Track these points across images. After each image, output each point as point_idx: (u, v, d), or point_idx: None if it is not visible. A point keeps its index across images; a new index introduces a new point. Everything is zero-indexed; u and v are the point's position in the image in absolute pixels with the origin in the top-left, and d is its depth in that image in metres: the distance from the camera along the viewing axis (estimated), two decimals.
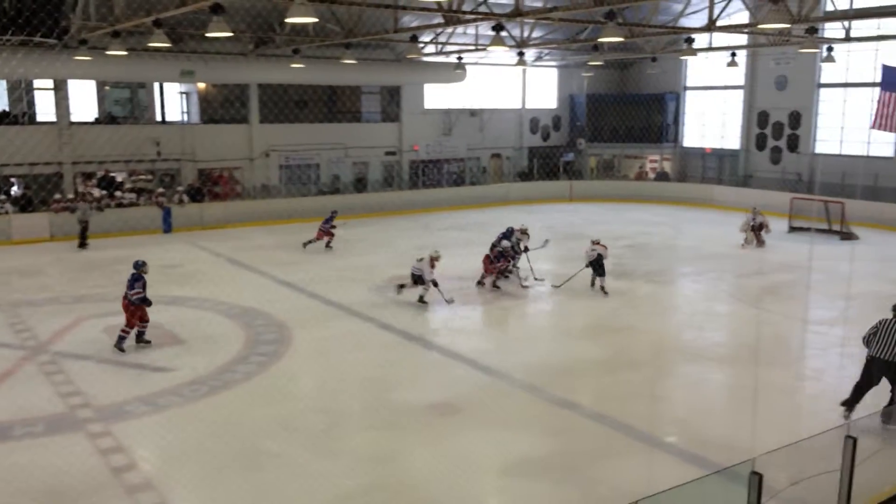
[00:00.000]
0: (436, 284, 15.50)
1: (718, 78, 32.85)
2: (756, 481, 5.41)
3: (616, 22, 16.43)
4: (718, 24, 20.65)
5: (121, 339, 12.58)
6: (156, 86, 29.22)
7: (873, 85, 27.40)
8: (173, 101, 29.83)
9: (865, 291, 16.83)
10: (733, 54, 27.04)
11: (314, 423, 9.92)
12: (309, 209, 27.28)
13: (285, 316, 14.72)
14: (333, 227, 21.75)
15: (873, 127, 27.38)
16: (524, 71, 34.38)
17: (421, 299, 15.71)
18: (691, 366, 12.40)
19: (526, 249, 18.10)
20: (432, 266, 15.60)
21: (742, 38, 28.90)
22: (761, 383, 10.90)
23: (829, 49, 24.49)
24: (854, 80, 28.67)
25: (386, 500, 7.96)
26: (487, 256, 17.41)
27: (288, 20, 14.88)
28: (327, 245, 21.82)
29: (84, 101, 28.15)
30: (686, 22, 26.00)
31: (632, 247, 22.38)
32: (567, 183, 33.90)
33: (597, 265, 16.92)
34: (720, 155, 33.83)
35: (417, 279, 15.73)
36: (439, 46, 27.19)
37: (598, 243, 17.13)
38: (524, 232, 18.71)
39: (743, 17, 27.56)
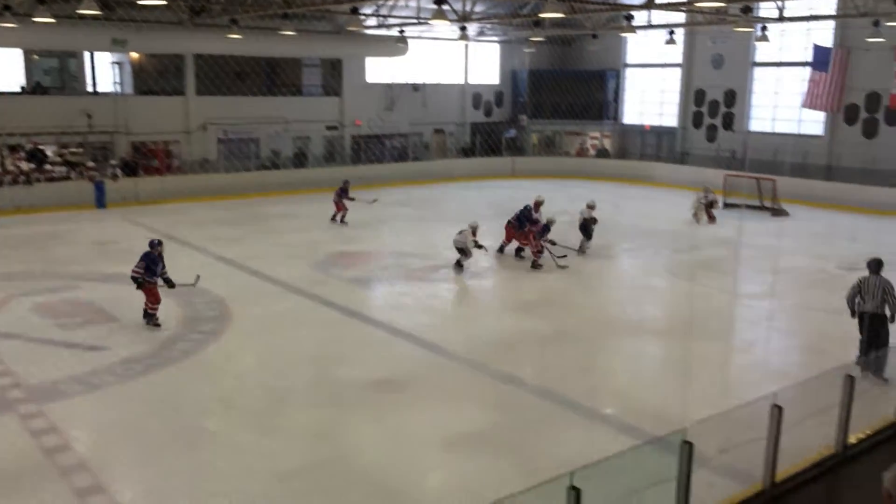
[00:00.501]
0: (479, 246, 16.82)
1: (657, 56, 33.33)
2: (687, 450, 5.59)
3: None
4: (657, 1, 20.92)
5: (149, 314, 12.48)
6: (86, 55, 28.19)
7: (805, 64, 28.22)
8: (105, 72, 28.83)
9: (793, 266, 17.44)
10: (671, 32, 27.44)
11: (255, 400, 9.85)
12: (249, 184, 26.88)
13: (225, 293, 14.50)
14: (351, 199, 21.69)
15: (804, 106, 28.30)
16: (466, 46, 34.28)
17: (458, 263, 16.60)
18: (630, 339, 12.69)
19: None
20: (474, 235, 16.68)
21: (680, 17, 29.33)
22: (695, 355, 11.23)
23: (763, 28, 25.03)
24: (787, 59, 29.43)
25: (329, 477, 7.97)
26: (510, 225, 17.85)
27: None
28: (341, 219, 21.73)
29: (10, 70, 27.04)
30: None
31: (573, 223, 22.62)
32: (510, 159, 34.07)
33: (585, 229, 18.10)
34: (659, 132, 34.43)
35: (461, 251, 16.55)
36: (381, 19, 26.86)
37: (592, 208, 18.38)
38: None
39: None
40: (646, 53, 34.46)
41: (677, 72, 33.15)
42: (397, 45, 29.58)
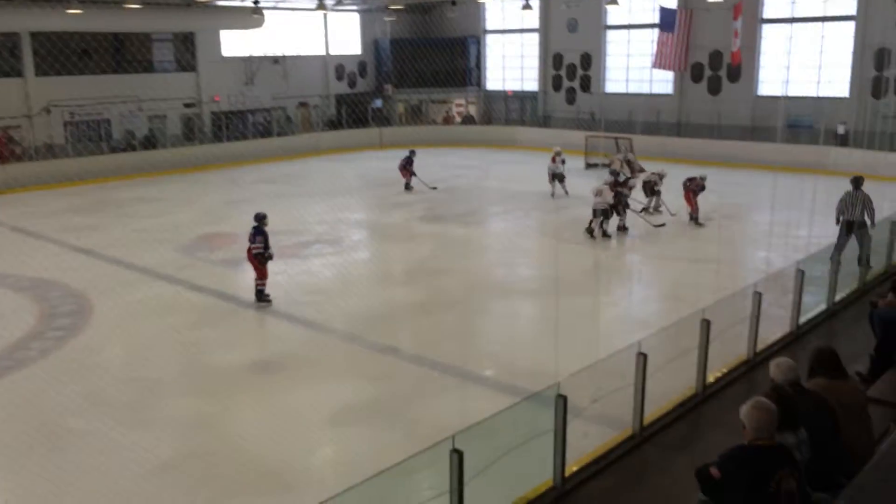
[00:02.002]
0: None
1: (515, 21, 33.91)
2: (561, 403, 5.81)
3: None
4: None
5: (258, 292, 12.55)
6: None
7: (653, 26, 29.51)
8: None
9: (652, 220, 18.35)
10: None
11: (124, 394, 9.41)
12: (102, 168, 25.40)
13: (84, 285, 13.70)
14: (413, 173, 22.58)
15: (654, 66, 29.65)
16: (325, 16, 33.58)
17: (604, 233, 16.38)
18: (503, 301, 13.01)
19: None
20: (612, 190, 16.37)
21: None
22: (565, 311, 11.65)
23: None
24: (636, 21, 30.66)
25: (209, 465, 7.75)
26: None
27: None
28: (406, 185, 22.45)
29: None
30: None
31: (443, 190, 22.87)
32: (377, 130, 33.85)
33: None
34: (521, 97, 35.17)
35: (604, 212, 16.23)
36: None
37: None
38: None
39: None
40: (504, 19, 34.99)
41: (535, 37, 33.88)
42: (252, 16, 28.57)
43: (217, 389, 9.54)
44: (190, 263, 15.37)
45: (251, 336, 11.47)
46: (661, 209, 18.71)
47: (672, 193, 18.32)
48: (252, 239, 12.59)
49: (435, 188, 22.63)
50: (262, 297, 12.67)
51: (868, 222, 12.72)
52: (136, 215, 19.99)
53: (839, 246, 12.59)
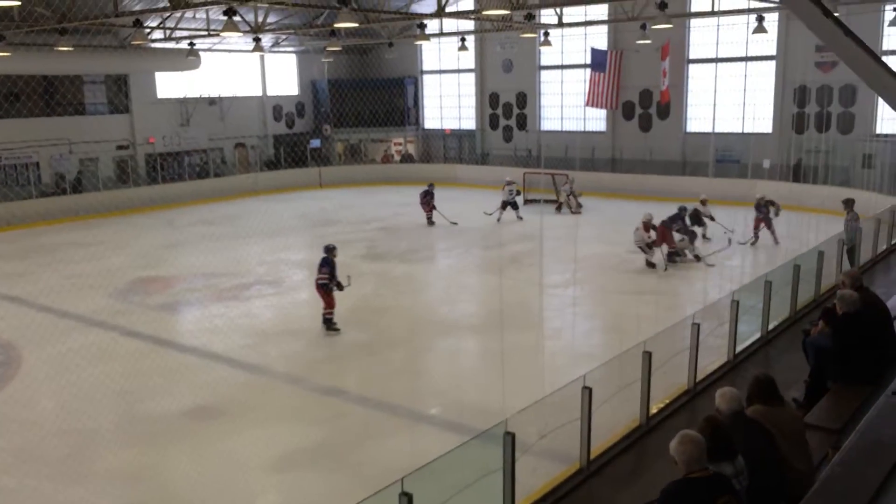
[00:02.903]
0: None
1: (452, 62, 34.45)
2: (510, 440, 5.80)
3: (350, 7, 16.57)
4: (447, 10, 21.63)
5: (327, 320, 12.93)
6: None
7: (585, 66, 30.35)
8: None
9: (590, 254, 18.68)
10: (463, 39, 28.48)
11: (57, 448, 9.03)
12: (31, 213, 24.62)
13: (12, 334, 13.18)
14: (433, 207, 22.99)
15: (587, 104, 30.43)
16: (262, 57, 33.53)
17: (648, 262, 16.99)
18: (447, 338, 13.01)
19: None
20: (646, 230, 16.98)
21: (470, 24, 30.52)
22: (509, 347, 11.71)
23: (546, 34, 26.64)
24: (569, 62, 31.49)
25: None
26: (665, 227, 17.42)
27: None
28: (429, 220, 22.78)
29: None
30: (417, 8, 26.93)
31: (384, 229, 22.89)
32: (316, 169, 33.74)
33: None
34: (459, 135, 35.59)
35: (646, 247, 16.96)
36: (168, 32, 25.59)
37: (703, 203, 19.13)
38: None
39: (469, 4, 29.18)
40: (441, 60, 35.52)
41: (472, 77, 34.45)
42: (188, 58, 28.31)
43: (155, 439, 9.24)
44: (125, 309, 14.95)
45: (190, 382, 11.17)
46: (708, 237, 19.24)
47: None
48: (319, 269, 12.92)
49: (455, 223, 22.85)
50: (330, 325, 13.03)
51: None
52: (68, 260, 19.34)
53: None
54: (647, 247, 17.16)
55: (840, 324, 7.21)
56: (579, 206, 25.12)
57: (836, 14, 3.72)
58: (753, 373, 5.69)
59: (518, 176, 27.49)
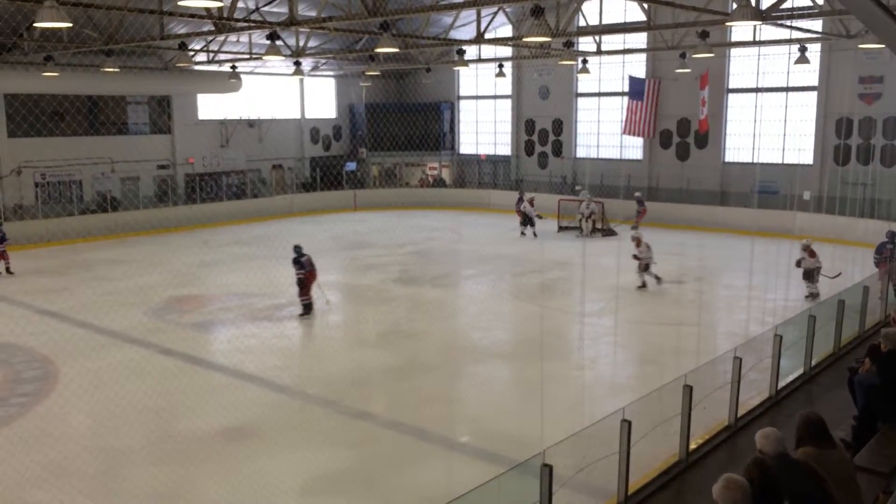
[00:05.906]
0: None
1: (489, 88, 34.58)
2: (547, 473, 5.67)
3: (390, 33, 16.70)
4: (486, 36, 21.72)
5: (305, 306, 14.94)
6: None
7: (622, 94, 30.24)
8: None
9: (625, 283, 18.43)
10: (500, 65, 28.59)
11: (90, 464, 9.05)
12: (73, 230, 25.02)
13: (50, 349, 13.32)
14: (524, 213, 24.92)
15: (624, 132, 30.28)
16: (302, 80, 33.98)
17: (643, 285, 17.65)
18: (480, 365, 12.86)
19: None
20: (637, 245, 17.74)
21: (508, 51, 30.64)
22: (544, 376, 11.53)
23: (584, 62, 26.62)
24: (606, 90, 31.42)
25: None
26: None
27: (37, 25, 13.28)
28: (523, 231, 25.03)
29: None
30: (456, 34, 27.06)
31: (416, 253, 22.87)
32: (351, 192, 33.96)
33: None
34: (494, 161, 35.59)
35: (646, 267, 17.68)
36: (211, 55, 26.07)
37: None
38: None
39: (507, 31, 29.27)
40: (478, 85, 35.67)
41: (508, 103, 34.51)
42: (230, 81, 28.80)
43: (186, 458, 9.22)
44: (160, 327, 15.07)
45: (222, 401, 11.16)
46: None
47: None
48: (294, 267, 14.37)
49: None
50: (307, 310, 14.85)
51: None
52: (106, 277, 19.65)
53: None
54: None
55: (885, 361, 6.99)
56: (597, 230, 25.42)
57: None
58: (802, 412, 5.48)
59: (552, 203, 27.43)
